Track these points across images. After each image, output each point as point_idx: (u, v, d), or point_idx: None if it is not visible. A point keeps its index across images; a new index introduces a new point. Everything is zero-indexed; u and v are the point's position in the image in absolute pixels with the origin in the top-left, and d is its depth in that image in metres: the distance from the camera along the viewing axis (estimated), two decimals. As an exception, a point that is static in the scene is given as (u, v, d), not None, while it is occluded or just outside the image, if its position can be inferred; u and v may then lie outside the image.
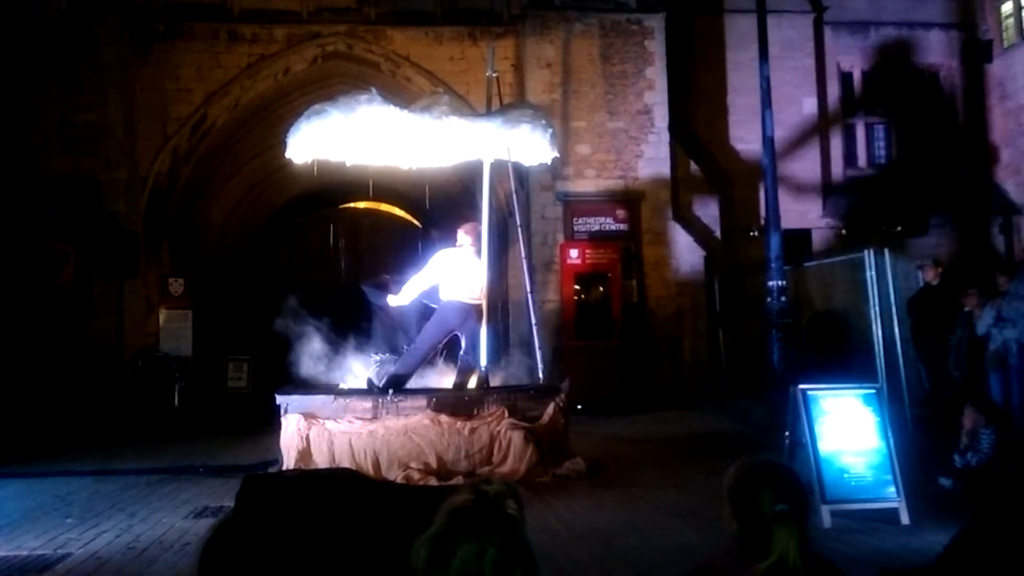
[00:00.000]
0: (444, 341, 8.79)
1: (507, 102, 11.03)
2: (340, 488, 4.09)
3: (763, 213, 11.41)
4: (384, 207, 21.48)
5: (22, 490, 7.98)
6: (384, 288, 9.55)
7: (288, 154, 8.53)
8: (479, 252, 8.76)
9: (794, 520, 2.04)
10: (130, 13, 13.79)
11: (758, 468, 2.21)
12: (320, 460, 7.65)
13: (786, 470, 2.24)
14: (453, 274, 8.56)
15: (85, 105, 13.38)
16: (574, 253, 13.93)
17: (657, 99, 14.65)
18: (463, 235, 8.83)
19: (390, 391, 8.22)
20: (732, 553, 2.15)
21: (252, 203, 18.47)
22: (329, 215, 20.48)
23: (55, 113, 13.29)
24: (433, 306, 8.86)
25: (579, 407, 11.19)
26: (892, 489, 6.18)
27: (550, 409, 8.35)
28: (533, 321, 9.62)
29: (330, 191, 17.53)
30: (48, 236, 12.98)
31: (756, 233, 14.77)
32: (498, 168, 9.68)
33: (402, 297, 8.80)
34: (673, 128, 14.86)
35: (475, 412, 8.22)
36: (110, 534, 6.28)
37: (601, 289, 13.96)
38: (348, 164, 8.79)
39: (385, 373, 8.73)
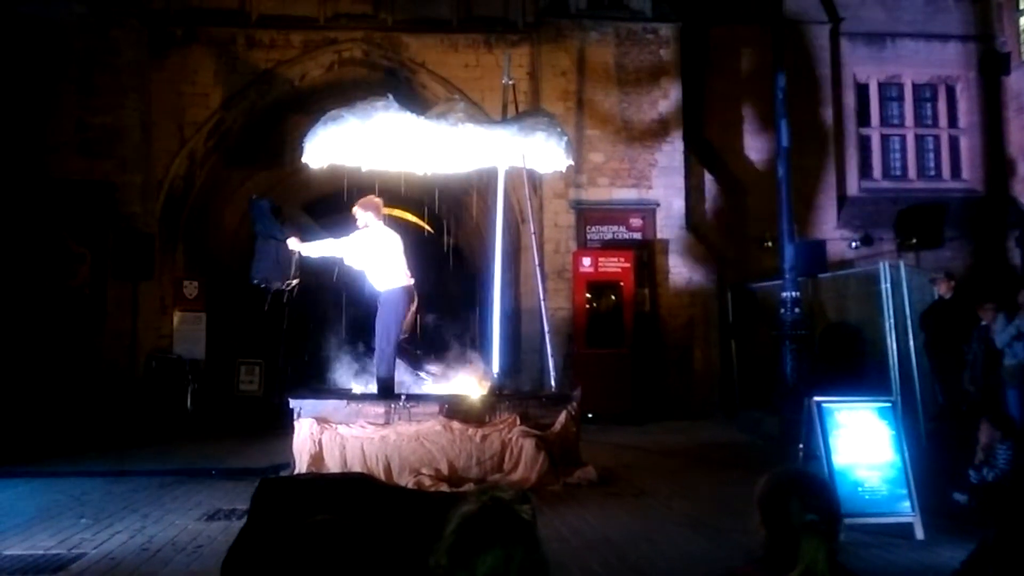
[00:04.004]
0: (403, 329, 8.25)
1: (522, 110, 11.05)
2: (353, 493, 4.11)
3: (777, 223, 11.35)
4: (397, 212, 21.53)
5: (36, 489, 8.03)
6: (276, 216, 8.58)
7: (304, 159, 8.58)
8: (387, 223, 8.25)
9: (823, 531, 2.02)
10: (148, 17, 13.89)
11: (790, 478, 2.21)
12: (332, 465, 7.65)
13: (818, 481, 2.24)
14: (380, 258, 8.07)
15: (102, 108, 13.45)
16: (586, 261, 13.89)
17: (672, 108, 14.64)
18: (361, 212, 8.16)
19: (402, 397, 8.22)
20: (758, 562, 2.14)
21: (266, 207, 18.52)
22: (342, 219, 20.51)
23: (72, 115, 13.37)
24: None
25: (590, 415, 11.17)
26: (907, 504, 6.14)
27: (562, 417, 8.35)
28: (545, 329, 9.62)
29: (344, 195, 17.56)
30: (64, 238, 13.04)
31: (770, 243, 14.69)
32: (512, 175, 9.70)
33: (310, 248, 8.26)
34: (687, 137, 14.84)
35: (487, 419, 8.22)
36: (124, 535, 6.30)
37: (613, 298, 13.91)
38: (364, 169, 8.82)
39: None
